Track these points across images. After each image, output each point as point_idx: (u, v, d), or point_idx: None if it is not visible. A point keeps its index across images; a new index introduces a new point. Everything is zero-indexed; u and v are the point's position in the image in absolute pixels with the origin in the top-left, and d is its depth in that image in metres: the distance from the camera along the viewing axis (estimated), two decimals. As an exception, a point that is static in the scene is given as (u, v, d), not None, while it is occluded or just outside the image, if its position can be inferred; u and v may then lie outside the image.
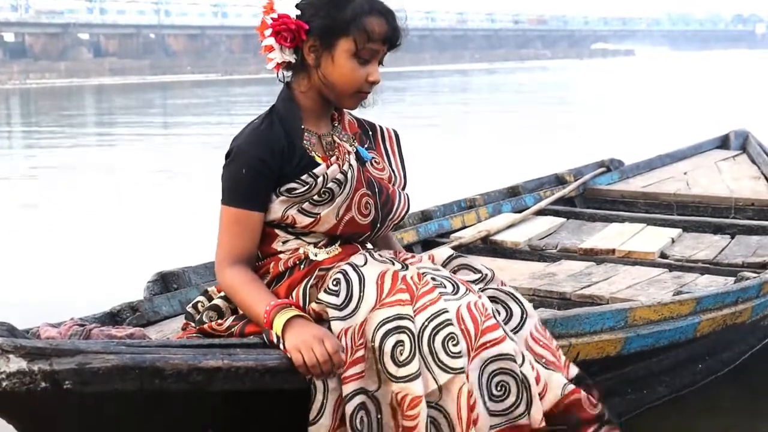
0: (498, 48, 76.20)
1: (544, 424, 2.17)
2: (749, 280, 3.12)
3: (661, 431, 3.00)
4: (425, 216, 4.21)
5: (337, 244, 2.32)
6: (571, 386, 2.22)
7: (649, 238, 4.06)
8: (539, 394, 2.17)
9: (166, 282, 2.87)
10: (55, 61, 49.98)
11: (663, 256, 3.86)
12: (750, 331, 3.35)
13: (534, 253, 3.98)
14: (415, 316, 2.10)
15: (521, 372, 2.13)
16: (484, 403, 2.12)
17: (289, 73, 2.33)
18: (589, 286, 3.41)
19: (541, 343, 2.27)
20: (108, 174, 10.43)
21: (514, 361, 2.13)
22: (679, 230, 4.23)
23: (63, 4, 57.82)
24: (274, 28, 2.25)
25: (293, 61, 2.28)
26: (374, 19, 2.24)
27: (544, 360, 2.24)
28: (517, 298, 2.29)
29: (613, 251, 3.87)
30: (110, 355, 1.86)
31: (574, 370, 2.30)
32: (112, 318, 2.57)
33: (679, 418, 3.09)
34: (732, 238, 4.15)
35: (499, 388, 2.12)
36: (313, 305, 2.18)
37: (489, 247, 4.06)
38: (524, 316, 2.27)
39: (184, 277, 2.92)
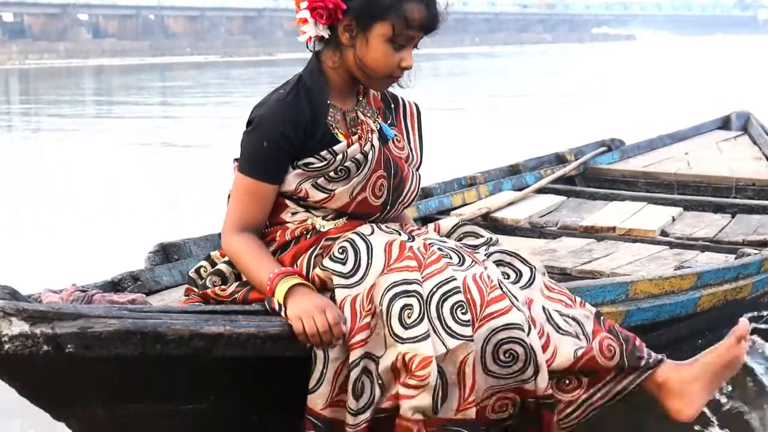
0: (498, 32, 75.95)
1: (550, 391, 2.18)
2: (750, 257, 3.13)
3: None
4: (425, 193, 4.19)
5: (344, 218, 2.31)
6: (583, 348, 2.23)
7: (650, 217, 4.05)
8: (547, 361, 2.18)
9: (166, 253, 2.87)
10: (54, 41, 49.77)
11: (663, 233, 3.86)
12: (750, 308, 3.36)
13: (534, 230, 3.98)
14: (423, 282, 2.10)
15: (528, 342, 2.14)
16: (483, 369, 2.13)
17: (321, 45, 2.28)
18: (589, 262, 3.41)
19: (555, 290, 2.30)
20: (108, 146, 10.44)
21: (522, 330, 2.14)
22: (680, 209, 4.22)
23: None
24: (310, 3, 2.19)
25: (326, 36, 2.24)
26: (414, 5, 2.19)
27: (563, 303, 2.27)
28: (522, 257, 2.31)
29: (614, 229, 3.87)
30: (112, 320, 1.86)
31: (590, 308, 2.33)
32: (114, 286, 2.57)
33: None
34: (732, 217, 4.14)
35: (507, 355, 2.13)
36: (317, 271, 2.18)
37: (489, 224, 4.05)
38: (533, 271, 2.29)
39: (185, 249, 2.91)
